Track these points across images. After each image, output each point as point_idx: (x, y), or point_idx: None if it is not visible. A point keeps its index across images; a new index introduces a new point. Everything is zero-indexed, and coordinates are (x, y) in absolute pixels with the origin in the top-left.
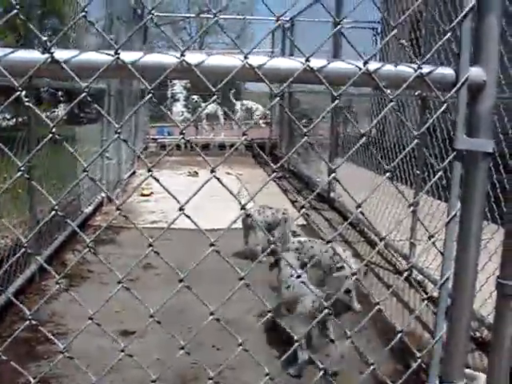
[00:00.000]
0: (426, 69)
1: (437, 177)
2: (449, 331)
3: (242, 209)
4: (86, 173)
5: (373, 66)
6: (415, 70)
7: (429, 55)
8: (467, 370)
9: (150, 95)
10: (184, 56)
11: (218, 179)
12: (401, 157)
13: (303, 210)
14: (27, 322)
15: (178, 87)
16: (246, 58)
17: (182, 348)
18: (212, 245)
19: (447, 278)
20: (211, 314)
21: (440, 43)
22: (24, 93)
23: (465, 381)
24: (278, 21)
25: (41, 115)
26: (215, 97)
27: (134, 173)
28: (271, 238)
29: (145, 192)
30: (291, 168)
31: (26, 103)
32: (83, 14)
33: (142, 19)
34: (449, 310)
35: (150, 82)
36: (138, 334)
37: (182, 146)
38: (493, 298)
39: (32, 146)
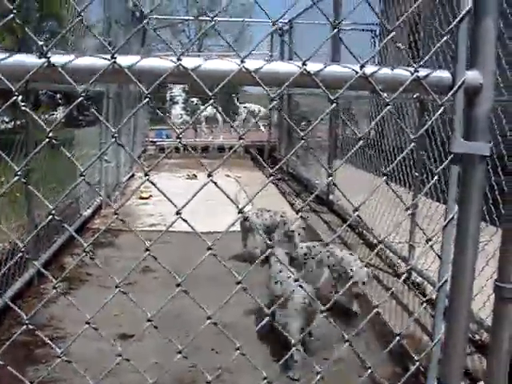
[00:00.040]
0: (422, 72)
1: (434, 180)
2: (447, 333)
3: (239, 212)
4: (82, 177)
5: (369, 69)
6: (412, 74)
7: (425, 59)
8: None
9: (147, 99)
10: (181, 60)
11: (215, 183)
12: (398, 159)
13: (300, 213)
14: (24, 327)
15: (177, 90)
16: (242, 62)
17: (180, 352)
18: (209, 248)
19: (445, 281)
20: (208, 318)
21: (437, 46)
22: (21, 97)
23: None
24: (274, 24)
25: (38, 120)
26: (212, 101)
27: (132, 175)
28: (268, 242)
29: (143, 195)
30: (290, 170)
31: (23, 107)
32: (80, 18)
33: (141, 22)
34: (447, 312)
35: (147, 87)
36: (136, 338)
37: (181, 149)
38: (491, 300)
39: (30, 149)
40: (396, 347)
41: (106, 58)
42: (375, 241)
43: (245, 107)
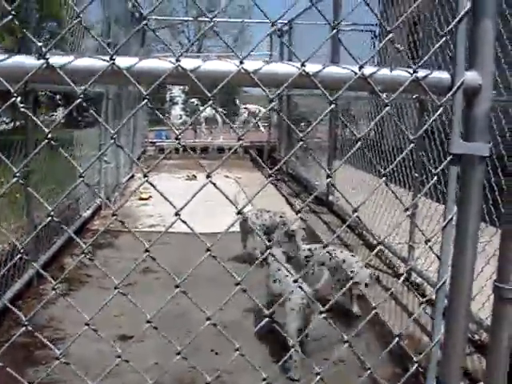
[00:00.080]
0: (421, 73)
1: (433, 180)
2: (446, 333)
3: (238, 213)
4: (81, 178)
5: (368, 70)
6: (411, 74)
7: (424, 60)
8: None
9: (146, 101)
10: (179, 61)
11: (214, 184)
12: (398, 160)
13: (299, 214)
14: (23, 328)
15: (177, 90)
16: (241, 63)
17: (179, 353)
18: (208, 250)
19: (444, 281)
20: (208, 319)
21: (436, 47)
22: (20, 98)
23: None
24: (273, 25)
25: (37, 121)
26: (210, 102)
27: (132, 176)
28: (268, 243)
29: (143, 196)
30: (290, 171)
31: (22, 109)
32: (78, 19)
33: (140, 23)
34: (446, 312)
35: (146, 88)
36: (136, 339)
37: (181, 150)
38: (491, 300)
39: (30, 150)
40: (396, 348)
41: (104, 60)
42: (375, 241)
43: (245, 108)
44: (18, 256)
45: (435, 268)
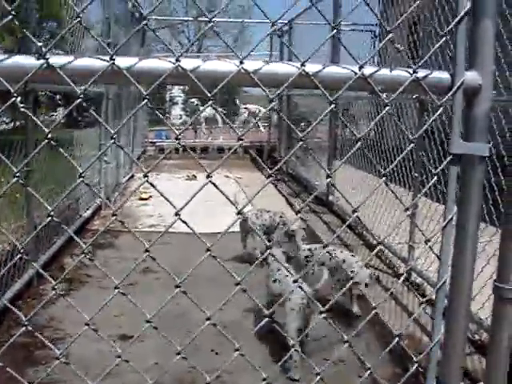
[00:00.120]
0: (421, 73)
1: (433, 181)
2: (446, 333)
3: (238, 213)
4: (81, 178)
5: (368, 70)
6: (411, 74)
7: (423, 60)
8: None
9: (146, 101)
10: (179, 61)
11: (214, 184)
12: (397, 160)
13: (299, 214)
14: (23, 328)
15: (177, 91)
16: (241, 63)
17: (179, 353)
18: (208, 250)
19: (444, 281)
20: (207, 319)
21: (435, 47)
22: (20, 98)
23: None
24: (273, 25)
25: (36, 121)
26: (210, 102)
27: (132, 176)
28: (267, 243)
29: (143, 196)
30: (290, 171)
31: (22, 109)
32: (78, 19)
33: (140, 23)
34: (446, 312)
35: (146, 88)
36: (136, 339)
37: (181, 150)
38: (491, 300)
39: (30, 150)
40: (396, 348)
41: (104, 60)
42: (375, 242)
43: (245, 108)
44: (18, 256)
45: (435, 268)
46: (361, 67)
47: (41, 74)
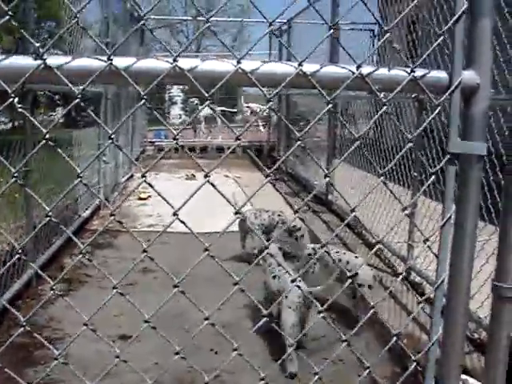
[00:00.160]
0: (419, 72)
1: (431, 180)
2: (445, 332)
3: (236, 213)
4: (79, 178)
5: (366, 69)
6: (409, 74)
7: (421, 59)
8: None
9: (144, 101)
10: (177, 61)
11: (213, 184)
12: (396, 160)
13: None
14: (21, 329)
15: (176, 90)
16: (239, 62)
17: (178, 353)
18: (206, 250)
19: (442, 280)
20: (206, 319)
21: (433, 47)
22: (17, 99)
23: (461, 382)
24: (271, 25)
25: (34, 121)
26: (208, 102)
27: (131, 176)
28: (266, 243)
29: (142, 196)
30: (289, 170)
31: (19, 109)
32: (76, 19)
33: (139, 22)
34: (445, 310)
35: (144, 88)
36: (135, 339)
37: (180, 149)
38: (490, 299)
39: (28, 150)
40: (395, 347)
41: (102, 60)
42: (374, 241)
43: (247, 107)
44: (17, 256)
45: (434, 267)
46: (358, 66)
47: (38, 75)
